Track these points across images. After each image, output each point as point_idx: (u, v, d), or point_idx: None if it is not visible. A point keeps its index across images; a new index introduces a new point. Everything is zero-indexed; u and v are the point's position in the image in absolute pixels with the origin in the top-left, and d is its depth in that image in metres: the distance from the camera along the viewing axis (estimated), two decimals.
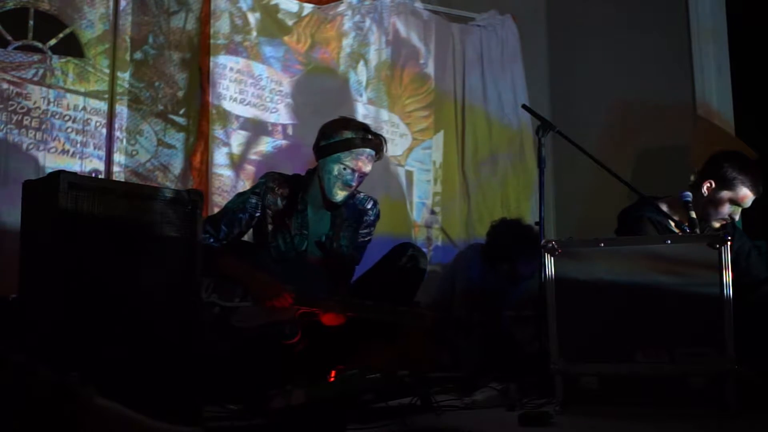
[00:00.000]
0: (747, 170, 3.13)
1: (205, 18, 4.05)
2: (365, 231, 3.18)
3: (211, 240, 2.92)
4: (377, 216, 3.23)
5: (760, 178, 3.15)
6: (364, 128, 3.08)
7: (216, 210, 3.97)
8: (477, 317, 2.88)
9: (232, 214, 3.03)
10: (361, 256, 3.20)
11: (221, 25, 4.06)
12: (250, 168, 4.06)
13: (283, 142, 4.20)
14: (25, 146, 3.59)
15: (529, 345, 3.18)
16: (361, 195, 3.22)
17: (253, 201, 3.05)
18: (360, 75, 4.47)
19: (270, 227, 3.04)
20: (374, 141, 3.05)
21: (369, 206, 3.20)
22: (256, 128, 4.13)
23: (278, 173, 3.17)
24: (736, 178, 3.12)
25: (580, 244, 2.51)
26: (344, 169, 2.99)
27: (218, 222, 3.00)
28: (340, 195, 3.02)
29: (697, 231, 2.85)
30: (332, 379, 2.55)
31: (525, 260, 3.57)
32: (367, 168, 3.05)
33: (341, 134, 3.02)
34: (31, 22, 3.66)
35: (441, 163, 4.73)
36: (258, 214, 3.05)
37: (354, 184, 3.03)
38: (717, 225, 3.19)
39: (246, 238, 3.18)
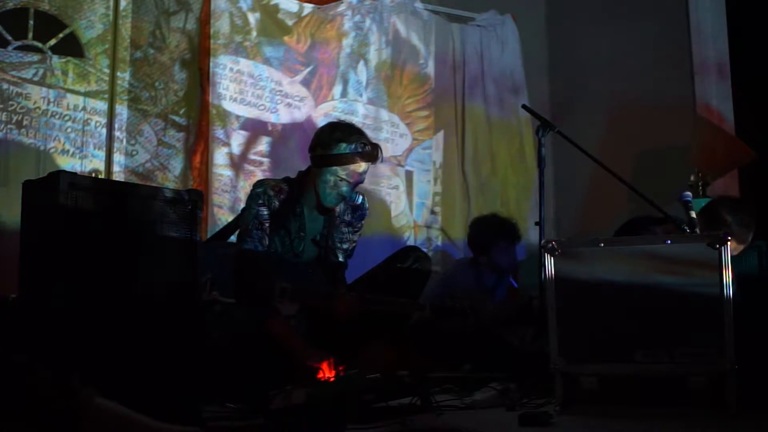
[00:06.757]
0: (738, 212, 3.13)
1: (205, 18, 4.05)
2: (359, 225, 3.18)
3: (259, 247, 2.92)
4: (367, 211, 3.24)
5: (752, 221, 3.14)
6: (360, 136, 3.03)
7: (216, 210, 3.96)
8: (472, 307, 2.89)
9: (254, 231, 3.00)
10: (347, 263, 3.19)
11: (221, 26, 4.07)
12: (250, 168, 4.06)
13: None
14: (25, 146, 3.59)
15: (527, 345, 3.18)
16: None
17: (264, 212, 3.00)
18: (360, 75, 4.47)
19: (268, 230, 3.03)
20: (371, 154, 3.02)
21: (360, 201, 3.19)
22: (256, 128, 4.13)
23: (271, 179, 3.16)
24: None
25: (580, 244, 2.51)
26: (340, 180, 2.98)
27: (252, 236, 2.96)
28: (335, 203, 3.03)
29: (697, 231, 2.84)
30: (332, 379, 2.55)
31: (502, 252, 3.74)
32: (364, 176, 3.04)
33: (338, 147, 2.97)
34: (31, 22, 3.67)
35: (441, 163, 4.73)
36: (268, 224, 3.02)
37: (349, 195, 3.03)
38: None
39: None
